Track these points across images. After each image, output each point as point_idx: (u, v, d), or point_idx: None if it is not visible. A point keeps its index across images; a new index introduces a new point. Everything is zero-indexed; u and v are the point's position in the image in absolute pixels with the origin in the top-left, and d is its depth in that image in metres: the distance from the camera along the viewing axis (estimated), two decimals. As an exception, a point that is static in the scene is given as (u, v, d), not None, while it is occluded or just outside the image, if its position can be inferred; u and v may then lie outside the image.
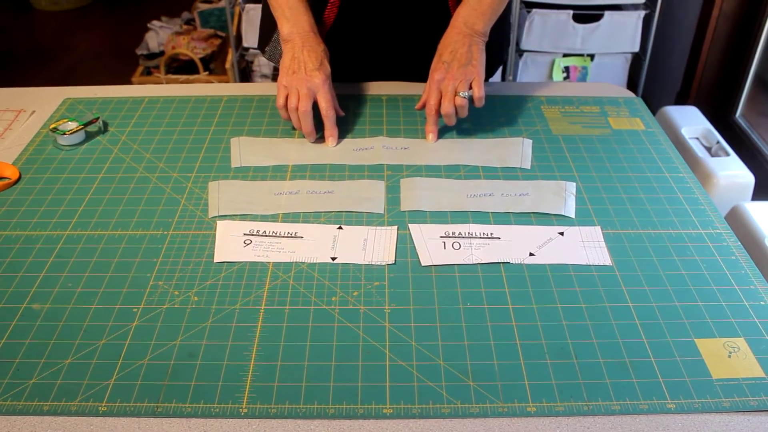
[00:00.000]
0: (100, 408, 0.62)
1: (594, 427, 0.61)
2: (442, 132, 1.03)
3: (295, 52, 0.98)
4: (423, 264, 0.79)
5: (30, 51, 3.36)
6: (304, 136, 1.01)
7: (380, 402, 0.63)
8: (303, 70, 0.97)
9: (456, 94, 0.96)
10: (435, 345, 0.68)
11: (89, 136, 1.02)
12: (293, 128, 1.03)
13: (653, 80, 2.56)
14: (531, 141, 1.01)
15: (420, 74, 1.16)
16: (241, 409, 0.62)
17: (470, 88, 0.97)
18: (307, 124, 0.97)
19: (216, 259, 0.79)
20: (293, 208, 0.87)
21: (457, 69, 0.96)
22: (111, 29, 3.58)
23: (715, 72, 2.25)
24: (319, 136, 1.01)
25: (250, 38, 2.45)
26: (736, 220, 1.04)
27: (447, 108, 0.96)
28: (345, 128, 1.03)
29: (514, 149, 0.99)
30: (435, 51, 1.13)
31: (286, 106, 0.98)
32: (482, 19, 0.98)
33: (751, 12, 2.10)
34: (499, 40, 1.17)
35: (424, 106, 1.01)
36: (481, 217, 0.86)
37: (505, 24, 1.21)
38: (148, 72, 2.86)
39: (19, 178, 0.93)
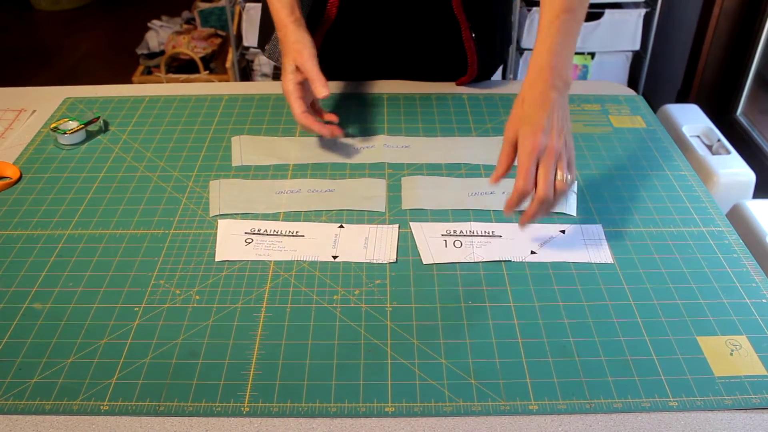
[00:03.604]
0: (101, 407, 0.62)
1: (596, 425, 0.61)
2: (443, 131, 1.03)
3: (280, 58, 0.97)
4: (424, 262, 0.78)
5: (30, 50, 3.36)
6: (304, 135, 1.01)
7: (382, 400, 0.63)
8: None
9: (555, 176, 0.74)
10: (437, 343, 0.68)
11: (90, 136, 1.02)
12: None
13: (654, 78, 2.56)
14: (532, 139, 1.00)
15: (421, 73, 1.16)
16: (242, 408, 0.62)
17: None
18: (308, 130, 0.95)
19: (217, 258, 0.79)
20: (294, 207, 0.87)
21: (557, 139, 0.74)
22: (111, 29, 3.58)
23: (716, 70, 2.25)
24: (319, 137, 1.01)
25: (251, 37, 2.45)
26: (737, 218, 1.04)
27: (547, 191, 0.72)
28: (346, 127, 1.03)
29: (515, 147, 0.99)
30: (436, 49, 1.14)
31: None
32: (569, 65, 0.80)
33: (751, 10, 2.10)
34: (501, 39, 1.17)
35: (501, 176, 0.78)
36: (482, 216, 0.86)
37: (507, 24, 1.20)
38: (148, 71, 2.86)
39: (20, 178, 0.93)
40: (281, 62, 1.11)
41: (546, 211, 0.75)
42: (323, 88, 0.90)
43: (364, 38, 1.12)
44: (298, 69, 0.93)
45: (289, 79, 0.93)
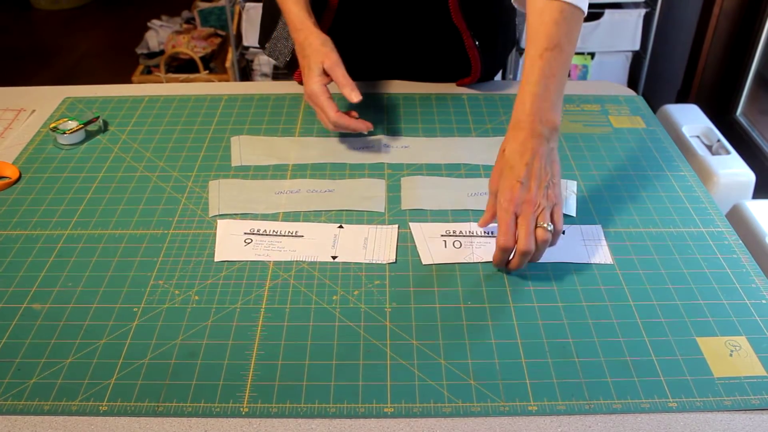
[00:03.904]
0: (100, 407, 0.62)
1: (595, 426, 0.61)
2: (442, 131, 1.03)
3: (300, 60, 0.96)
4: (424, 263, 0.78)
5: (30, 50, 3.36)
6: (304, 135, 1.01)
7: (381, 401, 0.63)
8: (304, 83, 0.94)
9: (537, 225, 0.72)
10: (436, 344, 0.68)
11: (89, 136, 1.02)
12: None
13: (654, 78, 2.56)
14: (532, 139, 1.00)
15: (419, 73, 1.16)
16: (242, 409, 0.62)
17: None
18: (343, 128, 0.95)
19: (216, 258, 0.79)
20: (294, 207, 0.87)
21: (537, 191, 0.73)
22: (111, 28, 3.58)
23: (715, 70, 2.25)
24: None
25: (251, 37, 2.45)
26: (736, 218, 1.04)
27: (527, 245, 0.71)
28: (345, 127, 1.03)
29: (515, 148, 0.99)
30: (433, 53, 1.13)
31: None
32: (555, 110, 0.76)
33: (751, 10, 2.10)
34: (504, 43, 1.17)
35: (487, 223, 0.80)
36: (481, 216, 0.85)
37: (511, 27, 1.20)
38: (148, 71, 2.86)
39: (19, 178, 0.93)
40: (281, 61, 1.11)
41: (532, 260, 0.74)
42: (356, 92, 0.91)
43: (362, 39, 1.12)
44: (325, 72, 0.93)
45: (317, 81, 0.92)
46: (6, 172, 0.93)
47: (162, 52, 2.85)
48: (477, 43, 1.06)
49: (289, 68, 1.13)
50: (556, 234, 0.74)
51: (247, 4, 2.38)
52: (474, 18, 1.05)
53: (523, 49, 2.37)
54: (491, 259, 0.78)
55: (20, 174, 0.94)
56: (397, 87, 1.15)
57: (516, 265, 0.74)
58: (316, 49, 0.93)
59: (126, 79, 2.79)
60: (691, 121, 1.29)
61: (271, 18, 1.12)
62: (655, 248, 0.81)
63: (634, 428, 0.61)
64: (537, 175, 0.73)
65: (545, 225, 0.72)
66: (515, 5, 0.91)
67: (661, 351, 0.68)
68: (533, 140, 0.74)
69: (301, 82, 1.12)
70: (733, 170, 1.17)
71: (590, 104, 1.10)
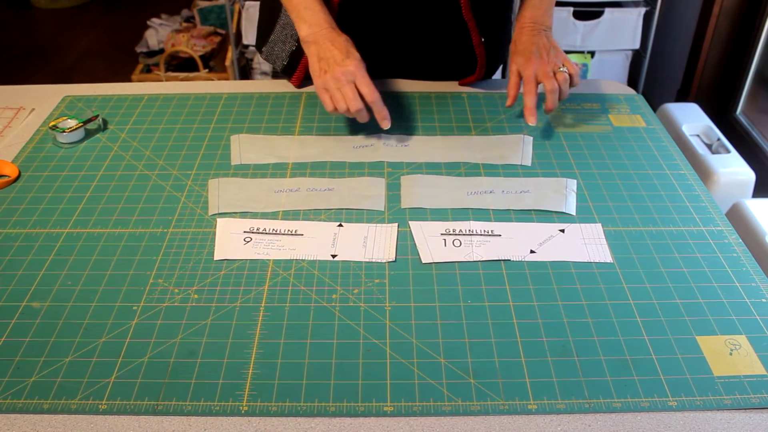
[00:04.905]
0: (100, 406, 0.62)
1: (595, 424, 0.61)
2: (442, 130, 1.03)
3: (320, 52, 0.95)
4: (423, 261, 0.78)
5: (30, 49, 3.36)
6: (304, 134, 1.01)
7: (381, 399, 0.63)
8: (334, 66, 0.93)
9: (555, 72, 0.98)
10: (435, 342, 0.68)
11: (89, 134, 1.02)
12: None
13: (654, 77, 2.55)
14: (531, 138, 1.01)
15: (423, 72, 1.16)
16: (241, 407, 0.62)
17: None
18: (365, 118, 0.94)
19: (216, 257, 0.79)
20: (293, 206, 0.87)
21: (546, 56, 0.98)
22: (111, 27, 3.58)
23: (715, 69, 2.25)
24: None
25: (250, 36, 2.45)
26: (736, 217, 1.04)
27: (553, 83, 0.96)
28: (345, 126, 1.03)
29: (515, 146, 0.99)
30: (438, 49, 1.13)
31: (336, 109, 0.93)
32: (548, 15, 1.04)
33: (751, 9, 2.09)
34: (503, 39, 1.17)
35: (514, 102, 1.02)
36: (481, 215, 0.86)
37: (509, 23, 1.20)
38: (147, 70, 2.85)
39: (19, 176, 0.93)
40: (278, 65, 1.11)
41: (560, 96, 0.97)
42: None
43: (364, 38, 1.11)
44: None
45: (362, 65, 0.94)
46: (5, 171, 0.93)
47: (162, 51, 2.85)
48: (483, 39, 1.07)
49: (286, 72, 1.13)
50: (573, 75, 0.98)
51: (247, 3, 2.37)
52: (482, 13, 1.05)
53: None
54: (491, 258, 0.78)
55: (19, 172, 0.94)
56: (397, 86, 1.15)
57: (551, 104, 0.97)
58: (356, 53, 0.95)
59: (125, 78, 2.79)
60: (691, 119, 1.29)
61: (269, 21, 1.12)
62: (654, 247, 0.81)
63: (634, 427, 0.61)
64: (546, 49, 0.99)
65: (561, 69, 0.98)
66: None
67: (660, 350, 0.68)
68: (532, 33, 1.01)
69: (298, 86, 1.12)
70: (732, 169, 1.17)
71: (590, 103, 1.10)
